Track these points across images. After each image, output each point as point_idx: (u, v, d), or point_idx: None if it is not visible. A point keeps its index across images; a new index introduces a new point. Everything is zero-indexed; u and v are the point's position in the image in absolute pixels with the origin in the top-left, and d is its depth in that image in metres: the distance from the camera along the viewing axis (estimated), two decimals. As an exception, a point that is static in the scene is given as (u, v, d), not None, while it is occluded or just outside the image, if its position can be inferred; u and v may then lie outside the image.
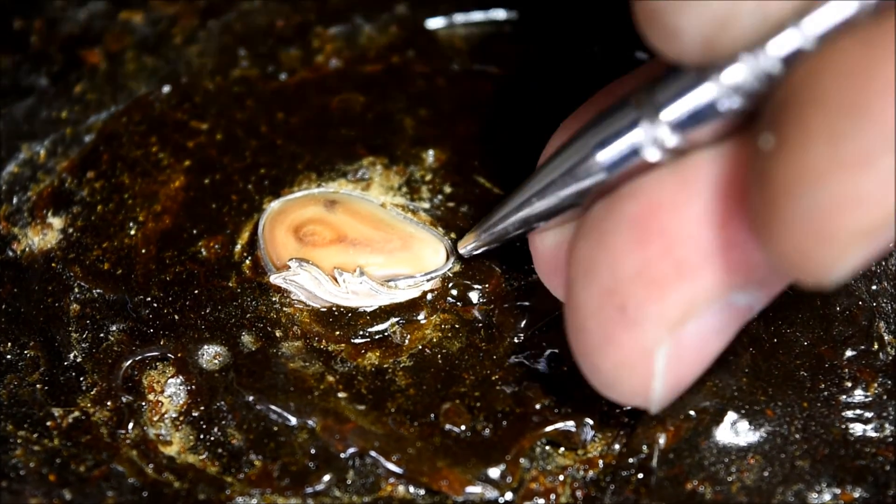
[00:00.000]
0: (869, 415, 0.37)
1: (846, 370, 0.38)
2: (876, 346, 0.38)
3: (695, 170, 0.30)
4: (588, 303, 0.31)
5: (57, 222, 0.43)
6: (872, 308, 0.39)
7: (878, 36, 0.25)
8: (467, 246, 0.39)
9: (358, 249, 0.40)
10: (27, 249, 0.42)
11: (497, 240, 0.37)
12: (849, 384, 0.38)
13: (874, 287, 0.40)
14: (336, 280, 0.39)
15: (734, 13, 0.26)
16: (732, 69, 0.28)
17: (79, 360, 0.39)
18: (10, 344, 0.40)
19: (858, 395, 0.37)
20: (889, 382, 0.37)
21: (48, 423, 0.38)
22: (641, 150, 0.30)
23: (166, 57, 0.47)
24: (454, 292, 0.40)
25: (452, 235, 0.41)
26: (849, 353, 0.38)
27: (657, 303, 0.30)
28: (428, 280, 0.40)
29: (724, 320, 0.31)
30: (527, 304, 0.39)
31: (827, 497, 0.35)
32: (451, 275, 0.40)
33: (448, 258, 0.40)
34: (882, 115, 0.25)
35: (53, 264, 0.42)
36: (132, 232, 0.42)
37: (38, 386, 0.39)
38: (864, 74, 0.25)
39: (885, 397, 0.37)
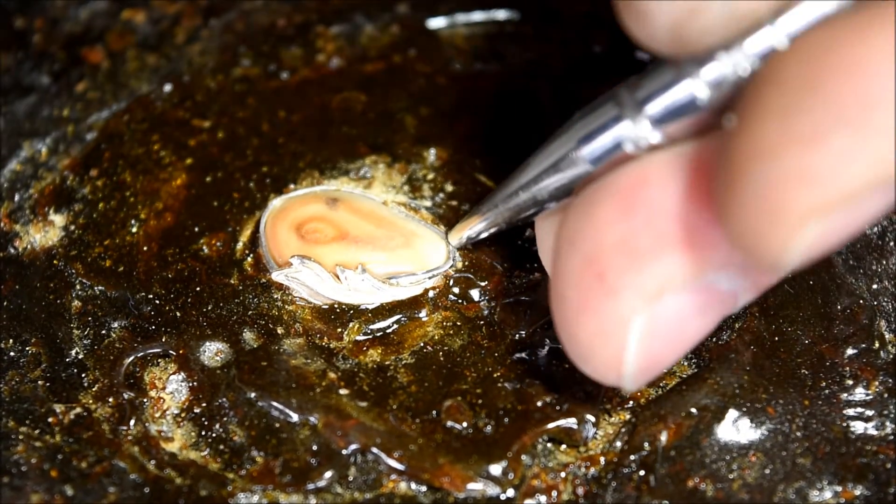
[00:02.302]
0: (870, 413, 0.37)
1: (847, 368, 0.38)
2: (877, 345, 0.38)
3: (684, 150, 0.30)
4: (570, 271, 0.31)
5: (59, 220, 0.43)
6: (873, 306, 0.39)
7: (843, 23, 0.25)
8: (459, 237, 0.39)
9: (360, 247, 0.40)
10: (29, 247, 0.42)
11: (487, 229, 0.37)
12: (850, 382, 0.38)
13: (875, 286, 0.40)
14: (338, 277, 0.39)
15: (704, 2, 0.27)
16: (712, 65, 0.28)
17: (80, 356, 0.39)
18: (11, 341, 0.40)
19: (859, 393, 0.37)
20: (890, 381, 0.37)
21: (50, 420, 0.38)
22: (624, 144, 0.31)
23: (168, 56, 0.47)
24: (456, 289, 0.40)
25: (454, 234, 0.41)
26: (850, 351, 0.38)
27: (636, 273, 0.30)
28: (430, 277, 0.40)
29: (703, 302, 0.31)
30: (528, 301, 0.39)
31: (828, 495, 0.35)
32: (452, 272, 0.40)
33: (449, 255, 0.40)
34: (835, 92, 0.24)
35: (55, 261, 0.42)
36: (134, 229, 0.42)
37: (39, 382, 0.39)
38: (822, 54, 0.25)
39: (885, 395, 0.37)
